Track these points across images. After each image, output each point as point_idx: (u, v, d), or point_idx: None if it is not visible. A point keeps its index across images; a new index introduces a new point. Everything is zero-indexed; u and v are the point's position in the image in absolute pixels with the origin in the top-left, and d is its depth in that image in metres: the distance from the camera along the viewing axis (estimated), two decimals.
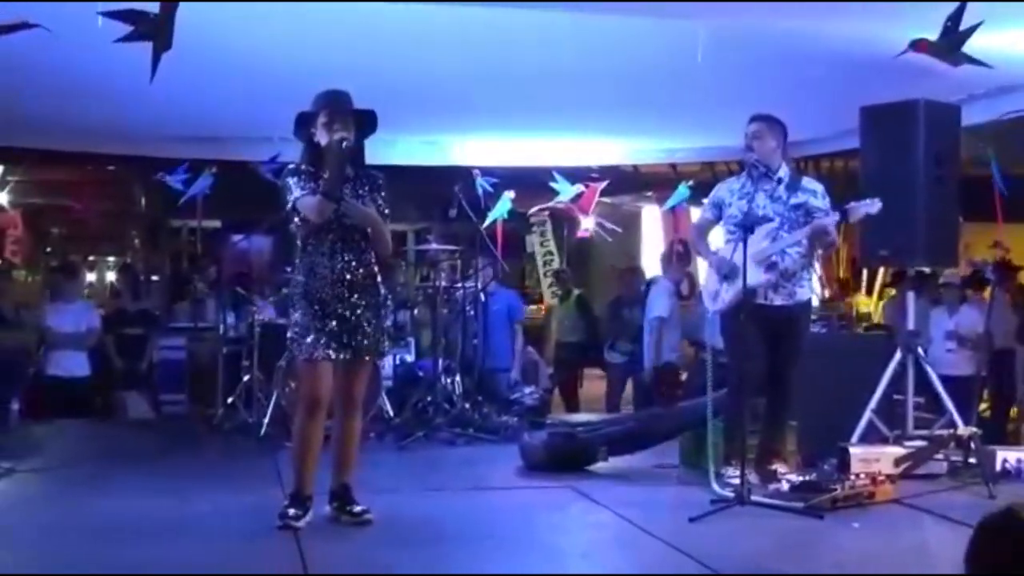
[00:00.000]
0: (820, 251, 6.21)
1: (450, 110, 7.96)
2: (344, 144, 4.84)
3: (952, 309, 8.75)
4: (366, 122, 5.08)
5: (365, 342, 5.00)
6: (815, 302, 7.35)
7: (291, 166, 5.05)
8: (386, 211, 5.09)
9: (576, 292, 11.44)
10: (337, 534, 4.87)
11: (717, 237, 6.15)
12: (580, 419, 7.01)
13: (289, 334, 5.04)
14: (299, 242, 5.04)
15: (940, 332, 8.61)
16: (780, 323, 5.81)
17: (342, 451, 5.08)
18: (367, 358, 5.09)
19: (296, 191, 4.91)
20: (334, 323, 4.94)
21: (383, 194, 5.08)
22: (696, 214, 6.98)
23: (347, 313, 4.96)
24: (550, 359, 10.65)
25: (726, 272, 5.73)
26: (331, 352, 4.92)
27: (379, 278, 5.12)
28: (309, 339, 4.92)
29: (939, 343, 8.49)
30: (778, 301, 5.82)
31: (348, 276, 4.97)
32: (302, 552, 4.46)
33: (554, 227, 16.81)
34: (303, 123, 5.01)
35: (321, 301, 4.95)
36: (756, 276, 5.62)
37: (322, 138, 4.92)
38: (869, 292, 12.55)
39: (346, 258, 4.97)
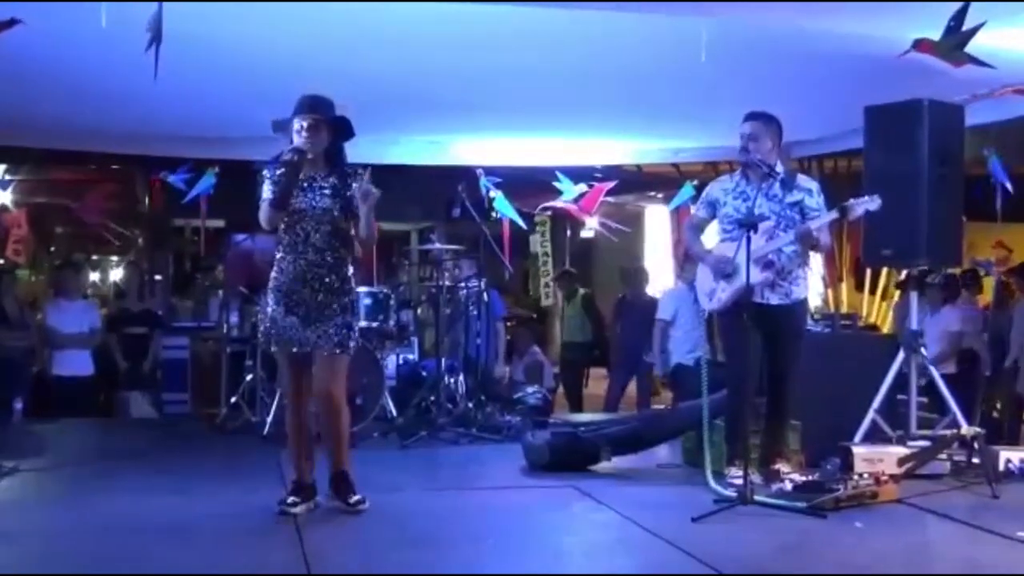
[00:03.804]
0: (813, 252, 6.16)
1: (453, 110, 7.95)
2: (296, 158, 5.01)
3: (934, 309, 8.70)
4: (344, 127, 5.22)
5: (331, 337, 5.11)
6: (817, 301, 7.36)
7: (266, 170, 5.16)
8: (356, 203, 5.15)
9: (581, 292, 11.47)
10: (340, 533, 4.89)
11: (711, 236, 6.15)
12: (583, 419, 7.02)
13: (260, 327, 5.23)
14: (277, 239, 5.23)
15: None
16: (778, 322, 5.81)
17: (331, 446, 5.26)
18: (335, 353, 5.14)
19: (263, 193, 5.12)
20: (299, 317, 5.10)
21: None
22: None
23: (312, 308, 5.10)
24: (555, 359, 10.67)
25: (729, 271, 5.72)
26: (296, 346, 5.11)
27: (350, 274, 5.24)
28: (276, 333, 5.13)
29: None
30: (775, 300, 5.81)
31: (314, 271, 5.12)
32: (305, 551, 4.47)
33: (555, 227, 16.82)
34: (283, 127, 5.18)
35: (287, 295, 5.11)
36: (753, 275, 5.60)
37: (297, 143, 5.10)
38: (872, 292, 12.52)
39: (312, 254, 5.13)
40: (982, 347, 9.03)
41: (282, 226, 5.14)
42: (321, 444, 5.31)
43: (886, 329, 10.64)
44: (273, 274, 5.21)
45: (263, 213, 5.11)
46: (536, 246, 16.04)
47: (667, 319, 8.81)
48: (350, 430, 5.44)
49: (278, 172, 5.07)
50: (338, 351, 5.14)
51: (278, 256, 5.20)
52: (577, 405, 10.69)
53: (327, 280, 5.13)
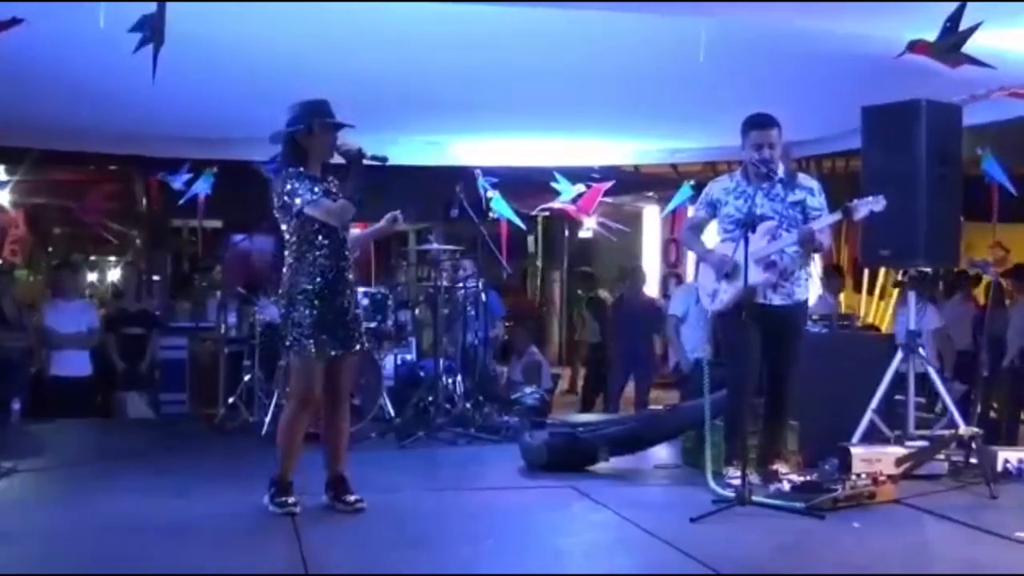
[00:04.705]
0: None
1: (451, 110, 7.95)
2: (361, 153, 5.13)
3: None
4: None
5: (356, 336, 5.30)
6: (813, 301, 7.35)
7: (290, 169, 5.15)
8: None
9: (589, 294, 11.54)
10: (338, 533, 4.89)
11: (711, 236, 6.14)
12: (581, 419, 7.03)
13: (293, 334, 5.14)
14: (296, 244, 5.18)
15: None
16: (779, 323, 5.80)
17: (336, 444, 5.32)
18: (357, 350, 5.36)
19: (307, 195, 5.06)
20: (335, 320, 5.17)
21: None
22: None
23: (344, 310, 5.22)
24: (553, 358, 10.70)
25: (728, 271, 5.70)
26: (331, 349, 5.16)
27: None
28: (315, 338, 5.12)
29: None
30: (777, 301, 5.80)
31: (344, 275, 5.24)
32: (303, 552, 4.47)
33: (553, 228, 16.86)
34: (291, 124, 5.19)
35: (323, 300, 5.15)
36: (755, 276, 5.60)
37: (316, 146, 5.17)
38: (871, 292, 12.52)
39: (340, 258, 5.22)
40: (948, 348, 9.07)
41: (308, 230, 5.12)
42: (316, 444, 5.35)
43: (886, 329, 10.64)
44: (303, 278, 5.14)
45: (343, 212, 5.09)
46: (532, 246, 16.12)
47: (679, 315, 8.78)
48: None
49: (354, 172, 5.13)
50: (358, 350, 5.36)
51: (306, 261, 5.13)
52: (588, 406, 10.70)
53: (351, 282, 5.30)
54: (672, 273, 14.88)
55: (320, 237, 5.14)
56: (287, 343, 5.20)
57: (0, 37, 5.15)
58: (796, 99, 6.82)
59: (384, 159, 5.25)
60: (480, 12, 5.69)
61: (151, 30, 4.91)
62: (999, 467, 6.01)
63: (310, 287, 5.14)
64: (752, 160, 5.74)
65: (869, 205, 5.62)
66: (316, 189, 5.09)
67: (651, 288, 11.37)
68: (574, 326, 14.24)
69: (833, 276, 9.83)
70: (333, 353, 5.16)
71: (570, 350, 15.10)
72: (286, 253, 5.26)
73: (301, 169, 5.15)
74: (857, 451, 5.86)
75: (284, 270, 5.27)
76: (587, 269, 14.00)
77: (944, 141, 6.35)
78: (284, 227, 5.22)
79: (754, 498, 5.14)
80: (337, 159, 5.28)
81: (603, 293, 12.36)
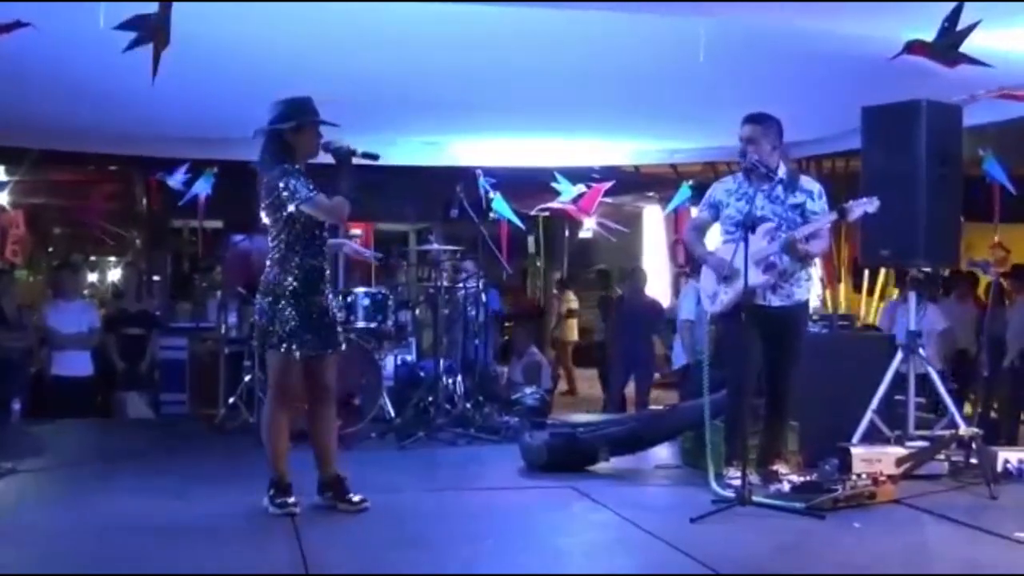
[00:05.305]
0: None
1: (451, 110, 7.96)
2: (352, 151, 5.17)
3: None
4: None
5: (336, 335, 5.32)
6: (815, 302, 7.35)
7: (285, 166, 5.13)
8: None
9: (601, 294, 11.57)
10: (338, 534, 4.89)
11: (714, 237, 6.14)
12: (581, 419, 7.02)
13: (278, 332, 5.12)
14: (283, 241, 5.16)
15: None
16: (778, 324, 5.79)
17: (325, 444, 5.31)
18: (338, 351, 5.36)
19: (304, 191, 5.06)
20: (318, 320, 5.20)
21: None
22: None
23: (325, 309, 5.25)
24: (552, 358, 10.70)
25: (726, 274, 5.70)
26: (313, 348, 5.18)
27: None
28: (299, 337, 5.12)
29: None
30: (776, 302, 5.79)
31: (325, 274, 5.28)
32: (303, 552, 4.47)
33: (553, 228, 16.85)
34: (277, 121, 5.19)
35: (307, 299, 5.17)
36: (755, 277, 5.60)
37: (303, 143, 5.18)
38: (870, 293, 12.53)
39: (323, 258, 5.27)
40: (949, 348, 9.08)
41: (298, 228, 5.12)
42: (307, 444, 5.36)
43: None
44: (290, 277, 5.13)
45: (340, 209, 5.15)
46: (532, 246, 16.14)
47: (693, 319, 8.73)
48: (346, 430, 5.49)
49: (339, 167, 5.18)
50: (340, 349, 5.34)
51: (293, 259, 5.13)
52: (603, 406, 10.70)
53: (328, 280, 5.31)
54: (682, 271, 14.89)
55: (307, 236, 5.16)
56: (272, 340, 5.16)
57: (1, 39, 5.16)
58: (796, 99, 6.83)
59: (375, 156, 5.26)
60: (480, 12, 5.69)
61: (146, 29, 4.90)
62: (999, 467, 6.01)
63: (296, 284, 5.14)
64: (751, 160, 5.75)
65: (863, 206, 5.69)
66: (311, 186, 5.10)
67: (662, 288, 11.35)
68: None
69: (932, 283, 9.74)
70: (314, 352, 5.17)
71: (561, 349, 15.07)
72: (271, 250, 5.23)
73: (297, 166, 5.15)
74: (857, 451, 5.87)
75: (268, 267, 5.23)
76: (603, 267, 14.00)
77: (944, 141, 6.36)
78: (270, 223, 5.20)
79: (754, 498, 5.14)
80: (322, 158, 5.27)
81: (618, 291, 12.36)
